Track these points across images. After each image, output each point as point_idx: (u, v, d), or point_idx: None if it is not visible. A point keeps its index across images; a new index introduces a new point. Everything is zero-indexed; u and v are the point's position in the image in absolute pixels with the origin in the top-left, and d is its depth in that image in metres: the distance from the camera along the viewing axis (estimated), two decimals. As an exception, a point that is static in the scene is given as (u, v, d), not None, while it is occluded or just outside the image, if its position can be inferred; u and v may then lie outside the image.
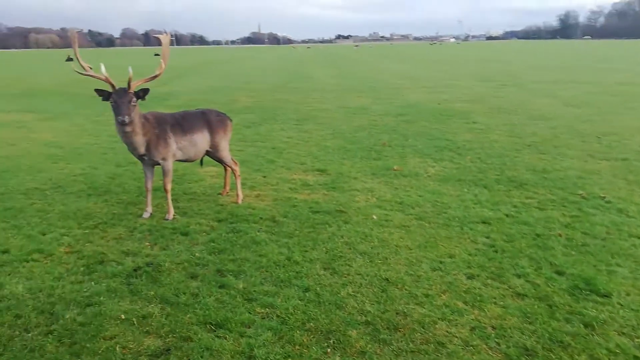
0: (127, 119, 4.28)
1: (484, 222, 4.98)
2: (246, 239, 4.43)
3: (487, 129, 10.13)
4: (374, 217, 5.11)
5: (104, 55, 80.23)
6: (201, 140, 5.18)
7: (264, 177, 6.74)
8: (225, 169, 5.88)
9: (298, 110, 13.38)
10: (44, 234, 4.52)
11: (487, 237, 4.61)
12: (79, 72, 4.55)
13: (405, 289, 3.60)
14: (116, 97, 4.32)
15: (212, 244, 4.33)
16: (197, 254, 4.11)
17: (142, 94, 4.54)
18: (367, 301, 3.43)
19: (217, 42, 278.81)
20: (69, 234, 4.53)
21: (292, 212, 5.21)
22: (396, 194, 5.95)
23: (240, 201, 5.55)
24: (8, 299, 3.36)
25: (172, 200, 5.16)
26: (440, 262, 4.08)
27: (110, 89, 4.44)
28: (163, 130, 4.83)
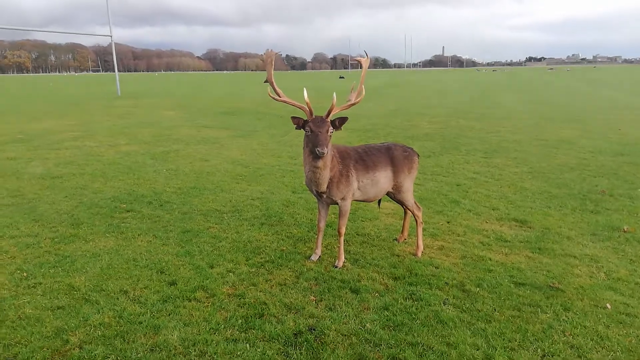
0: (325, 150, 3.78)
1: None
2: (428, 313, 3.49)
3: None
4: (608, 305, 3.68)
5: (297, 77, 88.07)
6: (384, 179, 4.46)
7: (448, 222, 5.71)
8: (405, 212, 5.05)
9: (485, 140, 11.92)
10: (212, 267, 4.29)
11: None
12: (273, 97, 4.24)
13: None
14: (314, 127, 3.84)
15: (386, 312, 3.51)
16: (367, 325, 3.32)
17: (339, 123, 4.01)
18: None
19: (399, 65, 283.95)
20: (235, 271, 4.21)
21: (488, 280, 4.09)
22: (634, 271, 4.35)
23: (420, 254, 4.66)
24: (161, 349, 3.03)
25: (343, 242, 4.52)
26: None
27: (306, 117, 4.02)
28: (346, 166, 4.24)
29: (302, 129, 4.00)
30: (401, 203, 4.80)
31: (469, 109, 20.54)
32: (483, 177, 8.11)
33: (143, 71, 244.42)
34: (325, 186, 4.11)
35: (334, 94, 3.96)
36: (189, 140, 11.99)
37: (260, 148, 10.92)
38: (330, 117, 3.95)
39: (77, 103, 25.45)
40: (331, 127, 3.90)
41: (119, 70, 33.15)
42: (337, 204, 4.32)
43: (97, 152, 10.25)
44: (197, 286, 3.88)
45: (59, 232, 5.21)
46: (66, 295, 3.75)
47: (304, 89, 4.06)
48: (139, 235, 5.14)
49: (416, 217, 4.81)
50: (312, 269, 4.26)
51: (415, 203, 4.81)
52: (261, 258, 4.51)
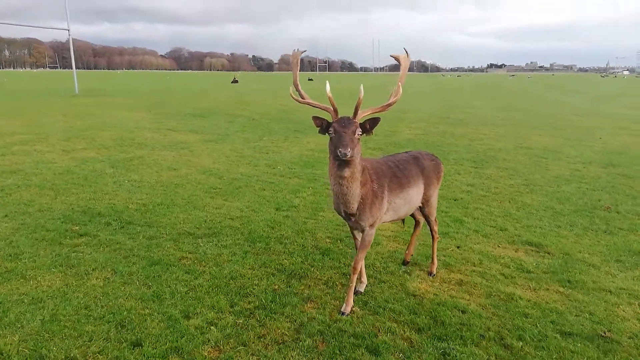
0: (349, 152, 3.03)
1: None
2: (473, 385, 2.74)
3: None
4: (677, 363, 3.04)
5: (264, 78, 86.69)
6: (416, 195, 3.90)
7: (458, 247, 5.02)
8: (416, 225, 4.48)
9: (470, 149, 11.42)
10: (187, 317, 3.39)
11: None
12: (296, 99, 3.51)
13: None
14: (338, 127, 3.13)
15: (420, 384, 2.74)
16: (400, 408, 2.54)
17: (370, 126, 3.27)
18: None
19: (366, 69, 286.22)
20: (218, 323, 3.33)
21: (528, 329, 3.38)
22: (683, 311, 3.75)
23: (434, 270, 4.32)
24: None
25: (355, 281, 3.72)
26: None
27: (331, 118, 3.32)
28: (381, 186, 3.53)
29: (325, 133, 3.24)
30: (425, 217, 4.28)
31: (445, 114, 20.18)
32: (479, 190, 7.52)
33: (103, 69, 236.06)
34: (355, 205, 3.34)
35: (361, 87, 3.19)
36: (154, 145, 10.92)
37: (234, 155, 9.99)
38: (360, 119, 3.22)
39: (30, 101, 23.60)
40: (359, 129, 3.16)
41: (77, 67, 31.24)
42: (362, 230, 3.55)
43: (48, 159, 9.05)
44: (169, 348, 2.98)
45: (-8, 267, 4.18)
46: (-10, 367, 2.79)
47: (327, 82, 3.28)
48: (93, 270, 4.16)
49: (433, 233, 4.39)
50: (314, 318, 3.43)
51: None
52: (249, 302, 3.64)
